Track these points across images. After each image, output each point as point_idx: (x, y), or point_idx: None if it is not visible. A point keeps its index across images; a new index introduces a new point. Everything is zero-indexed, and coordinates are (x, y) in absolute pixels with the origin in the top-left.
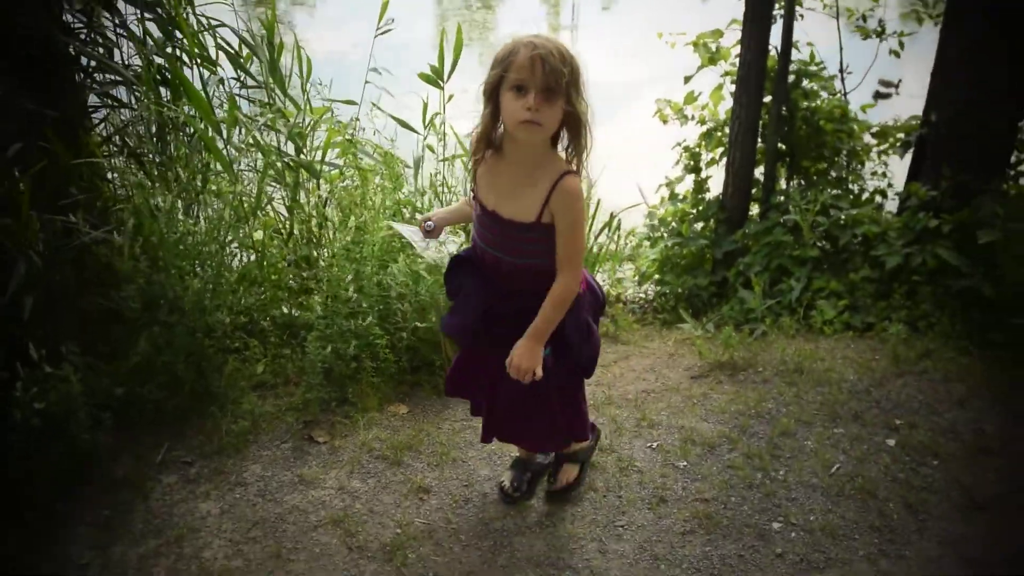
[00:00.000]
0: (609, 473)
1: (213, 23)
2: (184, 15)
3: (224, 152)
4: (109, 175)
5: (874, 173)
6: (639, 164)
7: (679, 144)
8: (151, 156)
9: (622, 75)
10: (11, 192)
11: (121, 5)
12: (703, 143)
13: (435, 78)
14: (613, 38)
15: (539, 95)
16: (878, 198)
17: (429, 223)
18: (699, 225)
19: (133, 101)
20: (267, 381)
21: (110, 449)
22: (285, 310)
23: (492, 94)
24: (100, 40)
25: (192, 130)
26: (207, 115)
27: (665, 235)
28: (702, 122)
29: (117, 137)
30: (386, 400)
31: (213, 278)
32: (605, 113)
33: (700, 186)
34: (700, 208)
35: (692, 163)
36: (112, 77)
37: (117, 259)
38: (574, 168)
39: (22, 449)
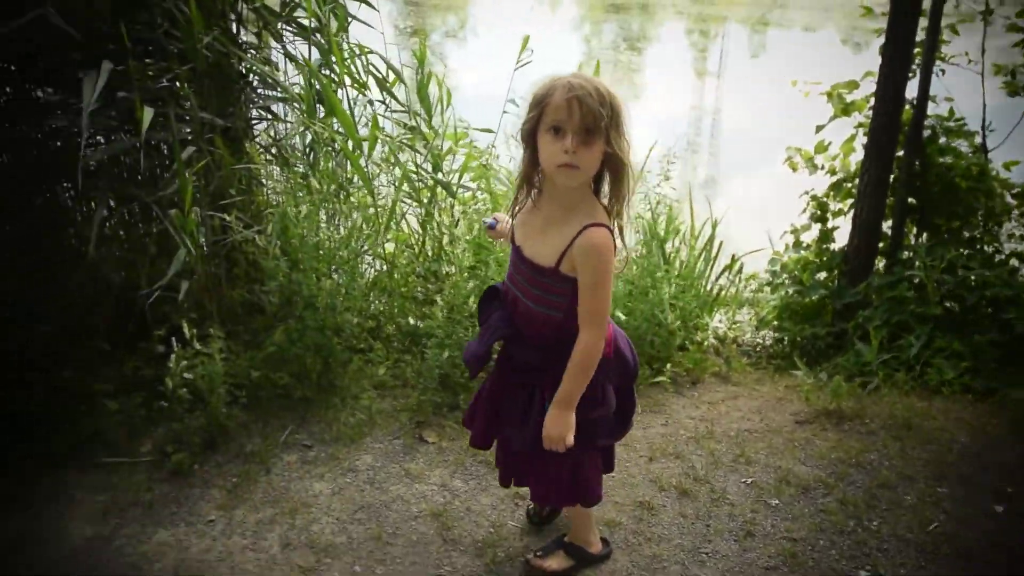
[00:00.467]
0: (700, 502)
1: (365, 50)
2: (339, 41)
3: (365, 168)
4: (264, 181)
5: (1011, 235)
6: (767, 209)
7: (807, 193)
8: (300, 167)
9: (763, 122)
10: (181, 188)
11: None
12: (831, 193)
13: None
14: (758, 85)
15: (576, 137)
16: (1014, 261)
17: (491, 220)
18: (822, 275)
19: (288, 116)
20: (386, 382)
21: (242, 425)
22: (411, 320)
23: (530, 137)
24: (265, 61)
25: (338, 145)
26: (351, 132)
27: (787, 282)
28: (832, 172)
29: (274, 148)
30: None
31: (346, 282)
32: (741, 158)
33: (826, 236)
34: (824, 258)
35: (819, 212)
36: (274, 93)
37: (263, 257)
38: (605, 219)
39: (170, 415)
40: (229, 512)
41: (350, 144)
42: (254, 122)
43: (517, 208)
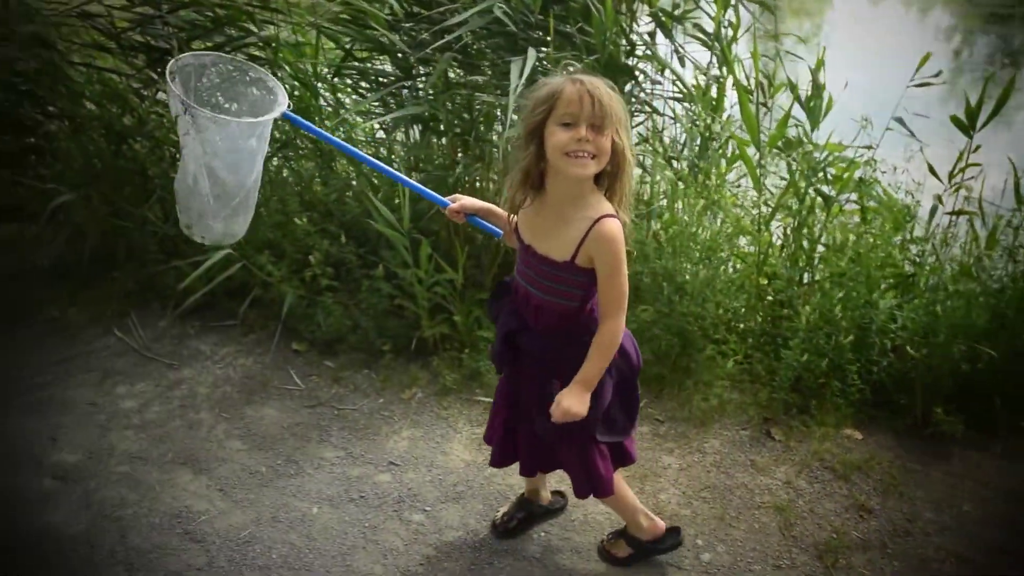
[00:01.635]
0: None
1: (757, 54)
2: (733, 45)
3: (756, 167)
4: (645, 174)
5: None
6: None
7: None
8: (686, 161)
9: None
10: None
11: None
12: None
13: (965, 124)
14: None
15: (589, 128)
16: None
17: (448, 200)
18: None
19: (664, 110)
20: (736, 375)
21: None
22: (767, 321)
23: (535, 133)
24: (656, 58)
25: (733, 144)
26: (753, 134)
27: None
28: None
29: (656, 141)
30: (843, 422)
31: (714, 274)
32: None
33: None
34: None
35: None
36: (659, 90)
37: (641, 241)
38: (612, 210)
39: None
40: None
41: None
42: (635, 115)
43: (516, 205)
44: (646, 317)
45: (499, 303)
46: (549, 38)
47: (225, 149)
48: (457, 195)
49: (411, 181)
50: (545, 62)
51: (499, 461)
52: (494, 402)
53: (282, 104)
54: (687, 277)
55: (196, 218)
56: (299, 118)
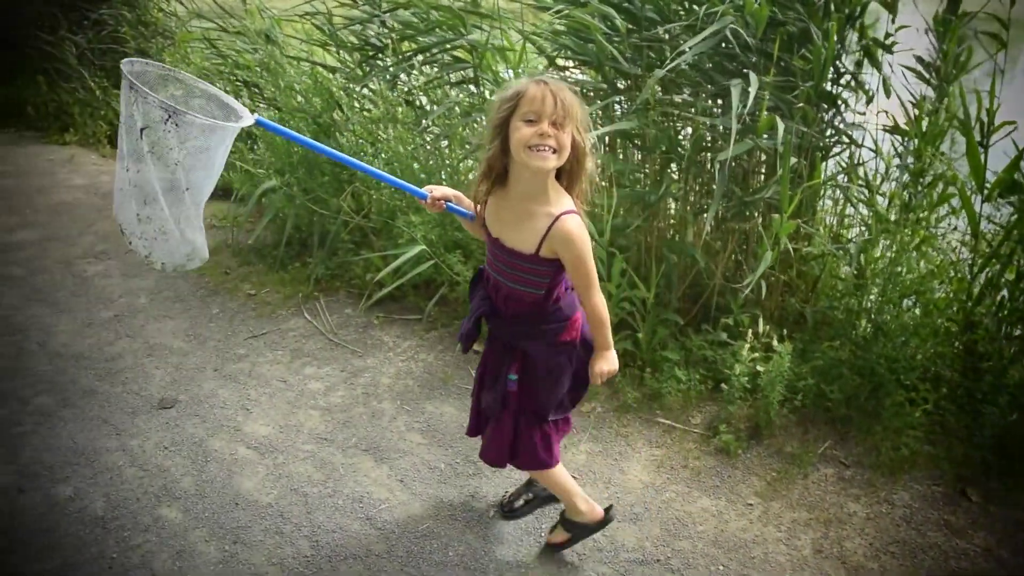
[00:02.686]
0: None
1: (978, 91)
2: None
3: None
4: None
5: None
6: None
7: None
8: (886, 195)
9: None
10: (781, 195)
11: None
12: None
13: None
14: None
15: (551, 125)
16: None
17: (425, 191)
18: None
19: (864, 141)
20: (927, 425)
21: (786, 425)
22: (962, 371)
23: (500, 129)
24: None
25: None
26: (978, 175)
27: None
28: None
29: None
30: None
31: (914, 317)
32: None
33: None
34: None
35: None
36: (859, 120)
37: (834, 275)
38: (572, 204)
39: (726, 397)
40: (767, 502)
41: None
42: (833, 144)
43: (483, 197)
44: (837, 355)
45: (475, 288)
46: (766, 62)
47: (207, 159)
48: (431, 186)
49: (388, 175)
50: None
51: (472, 431)
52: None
53: (247, 117)
54: (887, 317)
55: (152, 242)
56: (270, 122)
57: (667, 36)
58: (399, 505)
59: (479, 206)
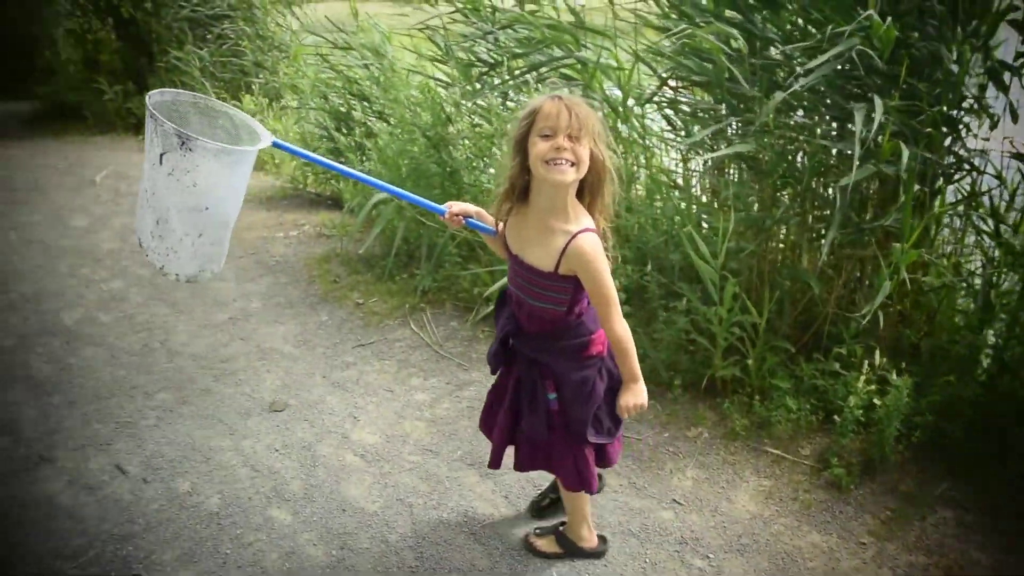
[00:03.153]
0: None
1: None
2: None
3: None
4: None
5: None
6: None
7: None
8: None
9: None
10: (903, 224)
11: None
12: None
13: None
14: None
15: (567, 138)
16: None
17: (444, 208)
18: None
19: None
20: None
21: (902, 462)
22: None
23: (520, 146)
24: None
25: None
26: None
27: None
28: None
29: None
30: None
31: None
32: None
33: None
34: None
35: None
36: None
37: (957, 308)
38: (590, 223)
39: (838, 430)
40: (881, 542)
41: None
42: (954, 171)
43: (504, 215)
44: (956, 392)
45: (501, 309)
46: (890, 85)
47: (225, 180)
48: (451, 202)
49: (405, 192)
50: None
51: (494, 462)
52: (488, 398)
53: (266, 137)
54: (1014, 355)
55: (169, 254)
56: (287, 144)
57: (783, 56)
58: (503, 521)
59: (501, 224)
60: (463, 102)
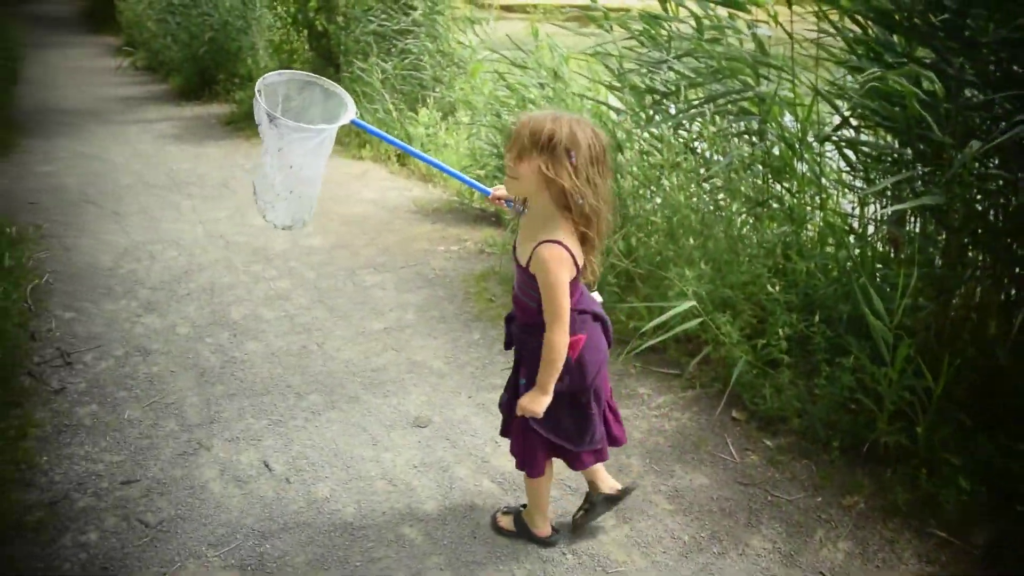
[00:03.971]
0: None
1: None
2: None
3: None
4: None
5: None
6: None
7: None
8: None
9: None
10: None
11: None
12: None
13: None
14: None
15: (510, 156)
16: None
17: (491, 190)
18: None
19: None
20: None
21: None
22: None
23: None
24: None
25: None
26: None
27: None
28: None
29: None
30: None
31: None
32: None
33: None
34: None
35: None
36: None
37: None
38: (562, 235)
39: None
40: None
41: None
42: None
43: (515, 215)
44: None
45: None
46: None
47: (302, 150)
48: (497, 186)
49: (456, 171)
50: None
51: (503, 431)
52: None
53: (351, 112)
54: None
55: (269, 206)
56: (365, 123)
57: (982, 100)
58: (635, 572)
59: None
60: (635, 130)
